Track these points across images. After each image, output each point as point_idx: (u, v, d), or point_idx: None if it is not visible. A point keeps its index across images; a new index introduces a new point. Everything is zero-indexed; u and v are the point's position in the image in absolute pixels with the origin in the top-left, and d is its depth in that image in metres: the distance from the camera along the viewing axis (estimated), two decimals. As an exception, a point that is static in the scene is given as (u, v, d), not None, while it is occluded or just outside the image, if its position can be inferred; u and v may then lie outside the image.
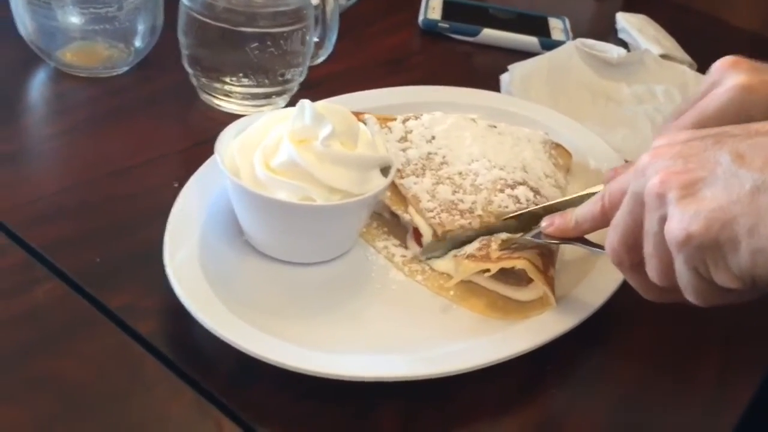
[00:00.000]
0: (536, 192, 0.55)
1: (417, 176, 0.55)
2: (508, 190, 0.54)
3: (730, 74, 0.46)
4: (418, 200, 0.53)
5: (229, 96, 0.67)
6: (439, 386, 0.45)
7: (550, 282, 0.49)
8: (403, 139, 0.58)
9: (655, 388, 0.49)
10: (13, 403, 0.42)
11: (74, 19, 0.66)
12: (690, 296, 0.38)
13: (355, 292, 0.51)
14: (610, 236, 0.41)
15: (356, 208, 0.50)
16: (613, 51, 0.81)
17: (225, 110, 0.67)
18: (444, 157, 0.56)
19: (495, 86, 0.75)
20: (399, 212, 0.54)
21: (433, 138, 0.58)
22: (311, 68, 0.70)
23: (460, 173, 0.55)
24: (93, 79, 0.69)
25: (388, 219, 0.56)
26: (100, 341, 0.46)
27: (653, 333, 0.53)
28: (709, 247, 0.35)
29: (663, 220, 0.37)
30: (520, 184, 0.55)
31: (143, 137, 0.63)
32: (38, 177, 0.58)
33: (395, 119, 0.60)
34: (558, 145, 0.63)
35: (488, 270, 0.49)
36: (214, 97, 0.67)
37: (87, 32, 0.67)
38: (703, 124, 0.46)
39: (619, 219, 0.40)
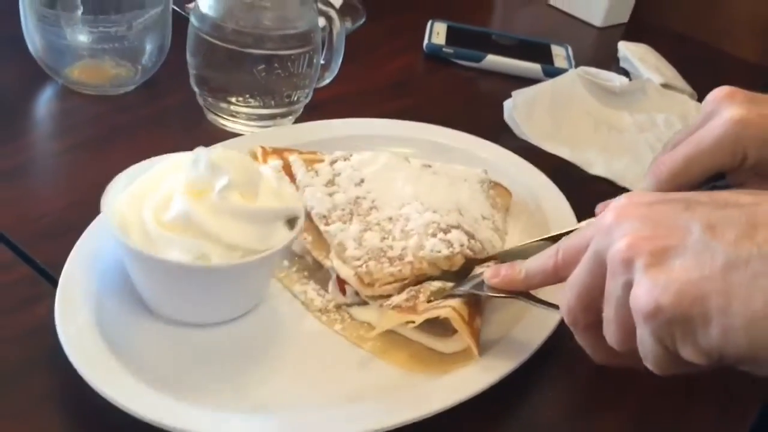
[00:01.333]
0: (471, 236, 0.52)
1: (344, 222, 0.51)
2: (440, 234, 0.50)
3: (725, 106, 0.45)
4: (344, 248, 0.50)
5: (235, 116, 0.67)
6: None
7: (475, 333, 0.46)
8: (330, 182, 0.55)
9: (659, 406, 0.50)
10: (17, 419, 0.42)
11: (83, 37, 0.67)
12: (650, 364, 0.36)
13: (264, 350, 0.47)
14: (566, 295, 0.39)
15: (257, 266, 0.46)
16: (615, 79, 0.82)
17: (231, 130, 0.68)
18: (373, 201, 0.53)
19: (498, 112, 0.76)
20: (321, 259, 0.51)
21: (363, 181, 0.55)
22: (316, 90, 0.71)
23: (390, 218, 0.52)
24: (100, 97, 0.69)
25: (310, 263, 0.53)
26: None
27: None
28: (678, 322, 0.33)
29: (628, 286, 0.35)
30: (454, 227, 0.51)
31: (149, 155, 0.63)
32: (45, 193, 0.59)
33: (323, 160, 0.57)
34: (497, 184, 0.60)
35: (413, 321, 0.46)
36: (220, 117, 0.68)
37: (95, 51, 0.68)
38: (697, 157, 0.45)
39: (577, 278, 0.38)
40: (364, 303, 0.50)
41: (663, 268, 0.33)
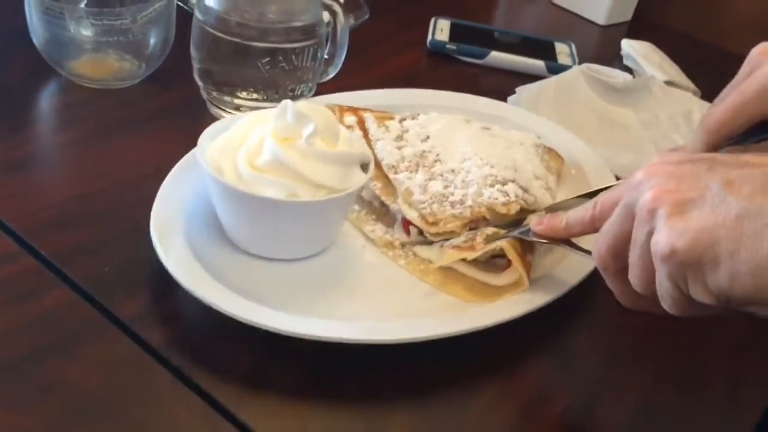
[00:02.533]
0: (525, 190, 0.57)
1: (411, 172, 0.57)
2: (498, 186, 0.56)
3: (766, 60, 0.48)
4: (411, 193, 0.55)
5: (238, 110, 0.67)
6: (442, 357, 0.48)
7: (526, 266, 0.51)
8: (399, 137, 0.60)
9: (666, 395, 0.50)
10: (23, 409, 0.42)
11: (87, 30, 0.67)
12: (666, 305, 0.40)
13: (339, 281, 0.53)
14: (599, 242, 0.43)
15: (341, 203, 0.52)
16: (619, 76, 0.82)
17: (235, 124, 0.67)
18: (437, 155, 0.58)
19: (502, 108, 0.76)
20: (389, 203, 0.57)
21: (428, 137, 0.60)
22: (320, 84, 0.71)
23: (453, 170, 0.57)
24: (104, 90, 0.69)
25: (378, 207, 0.59)
26: (109, 349, 0.46)
27: (661, 342, 0.54)
28: (691, 264, 0.37)
29: (651, 233, 0.39)
30: (510, 181, 0.56)
31: (152, 149, 0.64)
32: (49, 185, 0.59)
33: (393, 118, 0.62)
34: (550, 150, 0.65)
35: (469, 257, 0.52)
36: (224, 110, 0.68)
37: (99, 44, 0.68)
38: (742, 106, 0.48)
39: (609, 227, 0.42)
40: (425, 243, 0.55)
41: (682, 217, 0.37)
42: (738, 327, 0.53)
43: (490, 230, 0.53)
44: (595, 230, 0.45)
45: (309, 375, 0.46)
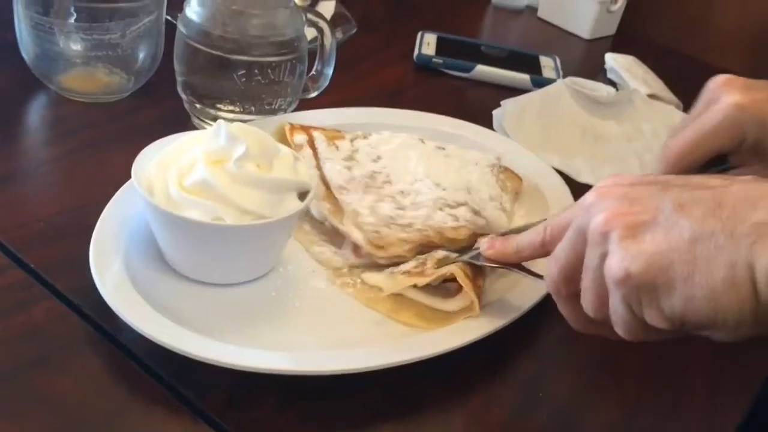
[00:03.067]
0: (477, 213, 0.56)
1: (359, 193, 0.56)
2: (448, 209, 0.55)
3: (724, 92, 0.49)
4: (358, 215, 0.54)
5: (214, 123, 0.68)
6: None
7: (478, 290, 0.51)
8: (350, 157, 0.60)
9: (647, 403, 0.51)
10: (13, 419, 0.42)
11: (76, 45, 0.67)
12: (620, 330, 0.39)
13: (279, 308, 0.51)
14: (550, 267, 0.43)
15: (266, 230, 0.50)
16: (603, 90, 0.83)
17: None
18: (388, 176, 0.58)
19: (488, 121, 0.77)
20: (336, 224, 0.56)
21: (379, 158, 0.60)
22: (308, 99, 0.71)
23: (402, 192, 0.57)
24: (93, 104, 0.70)
25: (329, 228, 0.57)
26: (98, 361, 0.46)
27: (641, 351, 0.54)
28: (645, 288, 0.37)
29: (603, 257, 0.38)
30: (461, 204, 0.56)
31: (128, 165, 0.64)
32: (38, 198, 0.59)
33: (344, 138, 0.62)
34: (507, 170, 0.65)
35: (419, 283, 0.51)
36: (204, 122, 0.69)
37: (88, 58, 0.68)
38: (701, 140, 0.49)
39: (560, 251, 0.42)
40: (374, 265, 0.54)
41: (635, 240, 0.37)
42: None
43: (440, 254, 0.52)
44: (546, 254, 0.44)
45: (290, 388, 0.47)
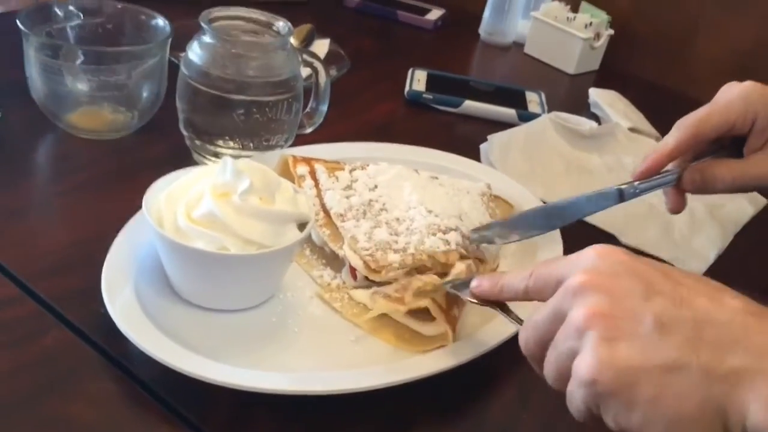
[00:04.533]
0: (467, 238, 0.60)
1: (357, 220, 0.60)
2: (440, 234, 0.58)
3: (734, 84, 0.55)
4: (356, 241, 0.58)
5: (217, 157, 0.71)
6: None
7: (451, 320, 0.53)
8: (348, 187, 0.63)
9: None
10: None
11: (83, 85, 0.71)
12: (576, 415, 0.40)
13: (277, 330, 0.54)
14: (526, 333, 0.43)
15: (268, 259, 0.53)
16: (586, 124, 0.87)
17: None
18: (384, 204, 0.62)
19: (475, 154, 0.81)
20: (336, 249, 0.59)
21: (376, 187, 0.63)
22: (304, 134, 0.75)
23: (398, 219, 0.60)
24: (98, 141, 0.73)
25: (328, 253, 0.61)
26: (106, 386, 0.49)
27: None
28: (608, 397, 0.37)
29: (574, 349, 0.38)
30: (453, 230, 0.59)
31: (141, 197, 0.67)
32: (48, 232, 0.62)
33: (343, 168, 0.66)
34: (497, 198, 0.69)
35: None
36: (205, 158, 0.72)
37: (95, 98, 0.72)
38: (711, 114, 0.55)
39: (537, 323, 0.42)
40: (366, 288, 0.57)
41: (610, 347, 0.37)
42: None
43: (424, 279, 0.54)
44: (527, 299, 0.45)
45: (289, 410, 0.49)
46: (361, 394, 0.49)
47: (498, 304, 0.49)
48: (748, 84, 0.56)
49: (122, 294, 0.52)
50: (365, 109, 0.90)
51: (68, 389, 0.48)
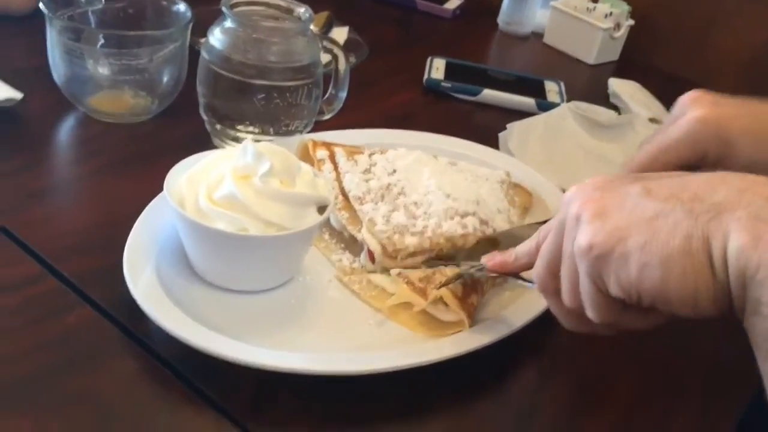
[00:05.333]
0: (484, 223, 0.60)
1: (375, 203, 0.60)
2: (457, 218, 0.59)
3: (691, 108, 0.52)
4: (374, 223, 0.58)
5: (237, 142, 0.71)
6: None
7: (468, 308, 0.54)
8: (367, 171, 0.64)
9: (644, 414, 0.53)
10: (53, 416, 0.45)
11: (104, 69, 0.71)
12: (591, 313, 0.42)
13: (297, 312, 0.55)
14: (537, 264, 0.46)
15: (287, 241, 0.54)
16: (605, 114, 0.87)
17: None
18: (402, 188, 0.62)
19: (493, 143, 0.80)
20: (354, 233, 0.60)
21: (395, 171, 0.64)
22: (322, 121, 0.75)
23: (415, 203, 0.60)
24: (119, 125, 0.74)
25: (346, 237, 0.62)
26: (128, 363, 0.49)
27: (639, 364, 0.57)
28: (605, 257, 0.40)
29: (574, 240, 0.42)
30: (470, 214, 0.60)
31: (162, 179, 0.67)
32: (70, 213, 0.63)
33: (362, 153, 0.66)
34: (517, 185, 0.69)
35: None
36: (224, 142, 0.72)
37: (116, 81, 0.72)
38: (662, 152, 0.51)
39: (545, 248, 0.45)
40: (383, 271, 0.58)
41: (601, 219, 0.41)
42: (710, 339, 0.57)
43: (447, 273, 0.55)
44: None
45: (308, 391, 0.50)
46: (381, 376, 0.49)
47: (513, 275, 0.52)
48: (700, 115, 0.51)
49: (144, 274, 0.53)
50: (383, 96, 0.90)
51: (91, 366, 0.49)
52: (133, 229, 0.56)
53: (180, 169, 0.56)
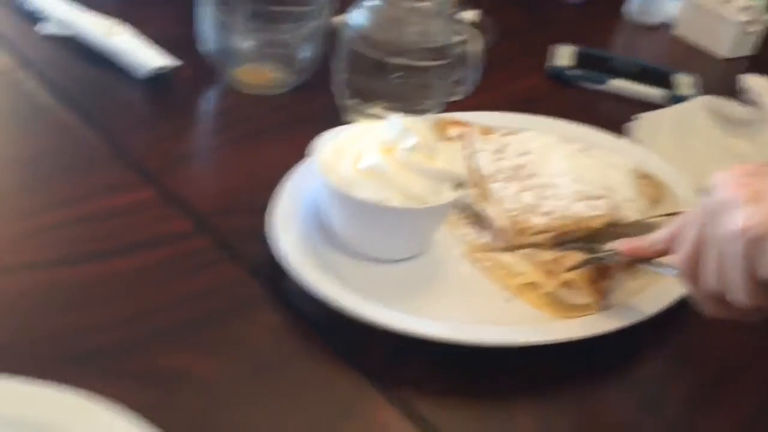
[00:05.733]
0: (614, 208, 0.60)
1: (505, 182, 0.61)
2: (586, 201, 0.59)
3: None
4: (503, 202, 0.60)
5: (370, 119, 0.73)
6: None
7: (599, 291, 0.54)
8: (499, 151, 0.65)
9: None
10: (211, 356, 0.50)
11: (251, 42, 0.75)
12: (738, 294, 0.43)
13: (428, 284, 0.57)
14: (679, 249, 0.47)
15: (426, 214, 0.56)
16: (739, 109, 0.84)
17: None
18: (532, 169, 0.63)
19: (619, 133, 0.80)
20: (482, 209, 0.61)
21: (526, 153, 0.65)
22: (449, 103, 0.76)
23: (545, 185, 0.61)
24: (259, 97, 0.78)
25: (474, 214, 0.63)
26: (271, 318, 0.53)
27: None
28: (759, 240, 0.40)
29: (725, 223, 0.42)
30: (600, 198, 0.60)
31: (298, 150, 0.70)
32: (217, 175, 0.67)
33: (495, 133, 0.67)
34: (647, 177, 0.68)
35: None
36: (357, 119, 0.74)
37: (259, 55, 0.76)
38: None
39: (689, 232, 0.46)
40: (511, 249, 0.59)
41: (756, 204, 0.42)
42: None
43: (577, 257, 0.55)
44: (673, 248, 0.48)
45: (439, 359, 0.52)
46: (507, 351, 0.51)
47: (646, 261, 0.52)
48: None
49: (288, 235, 0.56)
50: (509, 81, 0.90)
51: (237, 317, 0.53)
52: (278, 194, 0.59)
53: (325, 140, 0.59)
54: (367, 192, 0.54)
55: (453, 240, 0.62)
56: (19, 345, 0.48)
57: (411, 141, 0.55)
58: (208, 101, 0.78)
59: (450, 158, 0.58)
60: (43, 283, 0.52)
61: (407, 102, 0.73)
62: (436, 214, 0.57)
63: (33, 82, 0.73)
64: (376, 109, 0.73)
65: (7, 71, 0.74)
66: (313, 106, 0.78)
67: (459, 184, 0.58)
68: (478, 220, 0.63)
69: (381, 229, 0.56)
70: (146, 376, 0.47)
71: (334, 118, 0.75)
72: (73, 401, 0.41)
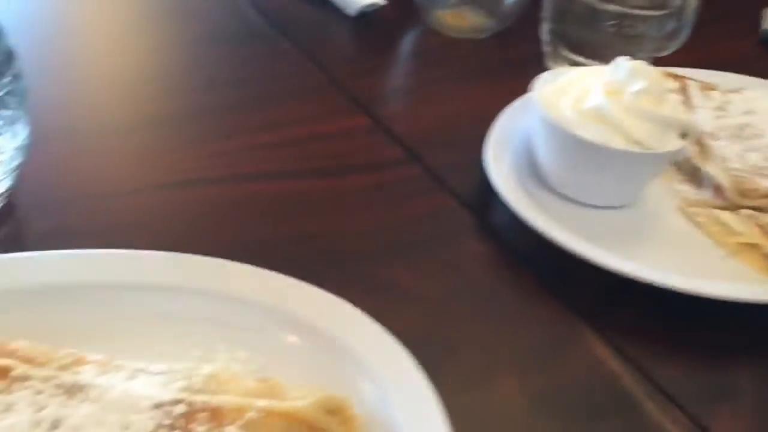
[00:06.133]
0: None
1: (728, 141, 0.58)
2: None
3: None
4: (726, 160, 0.57)
5: (575, 66, 0.71)
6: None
7: None
8: (721, 108, 0.62)
9: None
10: (420, 275, 0.51)
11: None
12: None
13: (636, 236, 0.55)
14: None
15: (649, 160, 0.54)
16: None
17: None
18: (758, 130, 0.60)
19: None
20: (702, 165, 0.59)
21: (751, 112, 0.62)
22: (656, 57, 0.73)
23: None
24: (459, 40, 0.78)
25: (689, 170, 0.60)
26: (480, 247, 0.54)
27: None
28: None
29: None
30: None
31: (495, 96, 0.69)
32: (425, 110, 0.67)
33: (716, 89, 0.65)
34: None
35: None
36: (560, 67, 0.72)
37: (462, 1, 0.76)
38: None
39: None
40: (731, 209, 0.56)
41: None
42: None
43: None
44: None
45: (647, 304, 0.50)
46: (726, 308, 0.49)
47: None
48: None
49: (502, 168, 0.56)
50: (714, 42, 0.85)
51: (448, 243, 0.54)
52: (493, 128, 0.59)
53: (545, 79, 0.58)
54: (589, 132, 0.53)
55: (666, 193, 0.59)
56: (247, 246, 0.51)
57: (639, 84, 0.53)
58: (410, 42, 0.79)
59: (677, 107, 0.56)
60: (268, 192, 0.56)
61: (615, 53, 0.70)
62: (659, 161, 0.55)
63: (252, 11, 0.76)
64: (582, 59, 0.71)
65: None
66: (515, 52, 0.77)
67: (684, 134, 0.55)
68: (694, 177, 0.61)
69: (599, 172, 0.55)
70: (362, 285, 0.48)
71: (537, 65, 0.74)
72: (325, 298, 0.43)
